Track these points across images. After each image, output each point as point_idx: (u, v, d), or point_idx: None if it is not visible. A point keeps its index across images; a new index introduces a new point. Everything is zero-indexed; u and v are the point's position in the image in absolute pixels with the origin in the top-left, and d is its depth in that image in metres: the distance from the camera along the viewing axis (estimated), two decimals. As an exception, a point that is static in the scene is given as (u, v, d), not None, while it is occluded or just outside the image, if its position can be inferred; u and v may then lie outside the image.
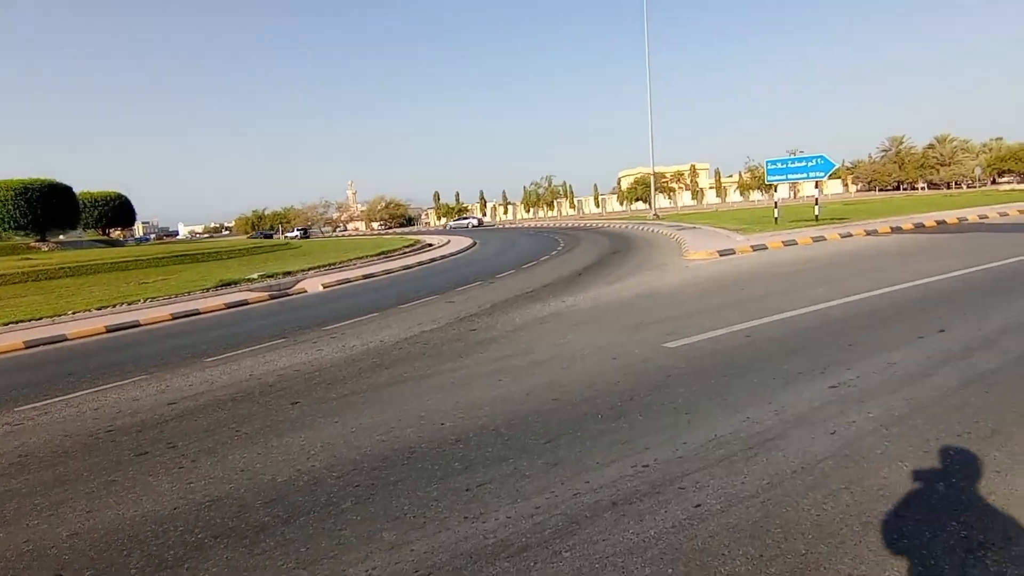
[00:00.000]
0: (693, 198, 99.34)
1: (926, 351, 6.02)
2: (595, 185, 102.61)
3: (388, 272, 20.62)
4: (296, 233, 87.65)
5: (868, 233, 18.91)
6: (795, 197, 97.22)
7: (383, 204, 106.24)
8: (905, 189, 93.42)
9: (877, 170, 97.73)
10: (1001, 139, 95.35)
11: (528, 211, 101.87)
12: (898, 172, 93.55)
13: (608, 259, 18.78)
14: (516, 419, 5.08)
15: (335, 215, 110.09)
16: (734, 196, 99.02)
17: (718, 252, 16.21)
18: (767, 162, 23.83)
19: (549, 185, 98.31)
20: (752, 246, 17.06)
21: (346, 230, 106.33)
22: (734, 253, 16.36)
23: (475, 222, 77.06)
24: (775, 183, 23.95)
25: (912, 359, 5.81)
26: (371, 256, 26.95)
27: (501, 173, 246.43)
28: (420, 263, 23.38)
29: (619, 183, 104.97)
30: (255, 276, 20.12)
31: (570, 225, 51.84)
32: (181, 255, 31.48)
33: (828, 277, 11.14)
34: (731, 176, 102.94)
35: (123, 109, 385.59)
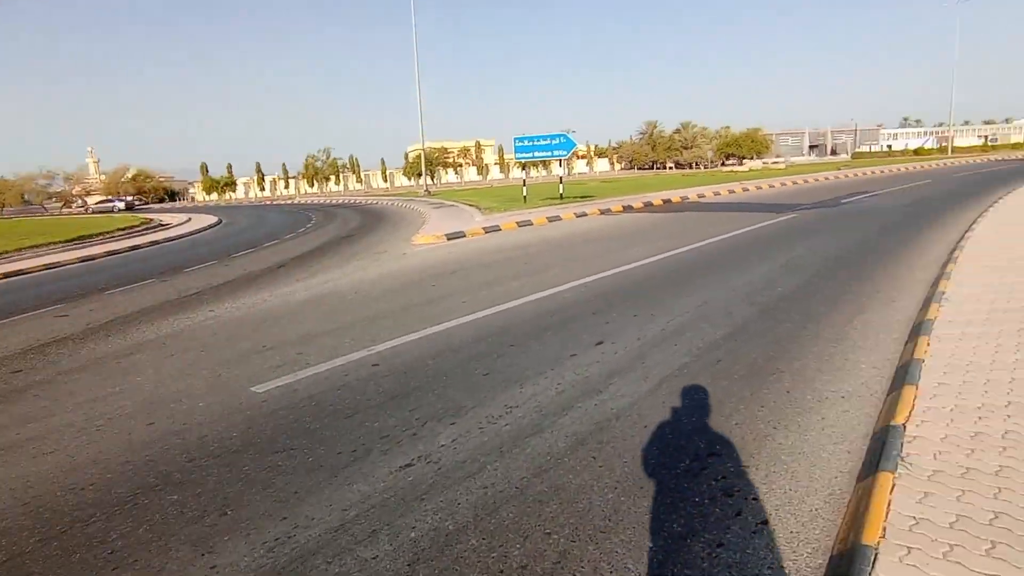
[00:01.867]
0: (479, 173, 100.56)
1: (560, 387, 4.70)
2: (382, 159, 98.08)
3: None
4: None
5: (602, 212, 19.08)
6: (569, 174, 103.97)
7: (129, 175, 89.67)
8: (658, 168, 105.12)
9: (636, 151, 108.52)
10: (729, 127, 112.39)
11: (312, 185, 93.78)
12: (651, 153, 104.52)
13: (337, 244, 16.35)
14: None
15: (66, 188, 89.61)
16: (516, 172, 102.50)
17: (446, 236, 14.72)
18: (514, 140, 23.29)
19: (328, 158, 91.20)
20: (486, 227, 15.93)
21: (84, 206, 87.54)
22: (463, 236, 15.02)
23: (121, 205, 67.30)
24: (522, 161, 23.53)
25: (546, 394, 4.43)
26: (58, 243, 20.95)
27: (285, 144, 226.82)
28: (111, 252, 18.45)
29: (406, 157, 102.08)
30: None
31: (340, 202, 47.94)
32: None
33: (535, 266, 10.09)
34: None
35: None
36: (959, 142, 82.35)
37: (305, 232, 21.43)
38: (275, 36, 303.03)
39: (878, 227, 12.67)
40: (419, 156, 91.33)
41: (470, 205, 25.71)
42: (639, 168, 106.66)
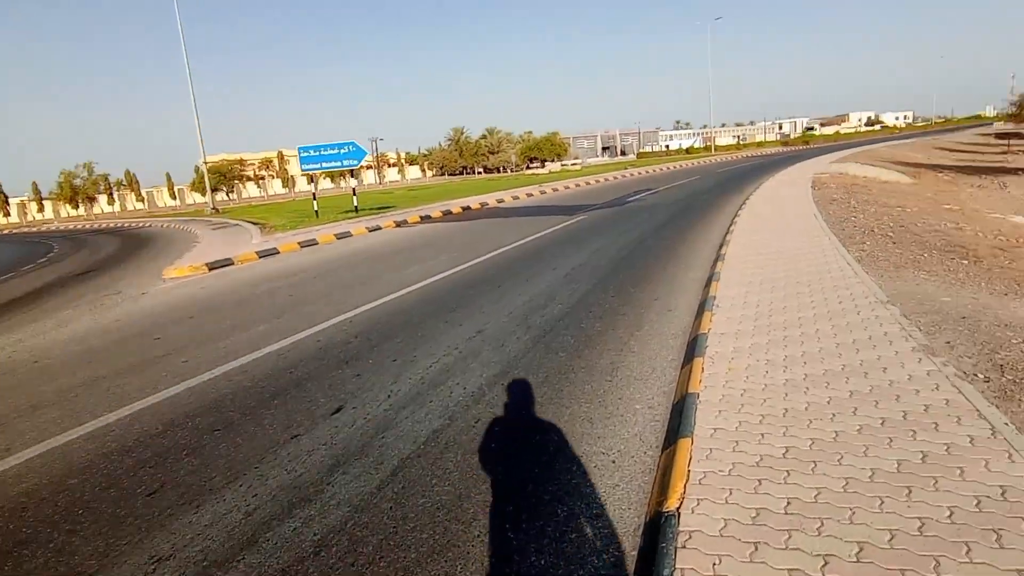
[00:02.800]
0: (284, 186, 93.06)
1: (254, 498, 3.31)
2: (167, 174, 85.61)
3: None
4: None
5: (398, 224, 17.77)
6: (380, 183, 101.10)
7: None
8: (468, 173, 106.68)
9: (446, 157, 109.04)
10: (531, 132, 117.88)
11: (77, 207, 77.97)
12: (460, 159, 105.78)
13: (64, 283, 12.91)
14: None
15: None
16: (325, 183, 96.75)
17: (208, 265, 12.32)
18: (299, 149, 20.97)
19: (90, 174, 77.00)
20: (261, 251, 13.74)
21: None
22: (231, 264, 12.72)
23: None
24: (310, 172, 21.35)
25: (226, 522, 2.99)
26: None
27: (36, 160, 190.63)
28: None
29: (196, 171, 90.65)
30: None
31: (107, 226, 40.33)
32: None
33: (298, 297, 8.45)
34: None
35: None
36: (720, 141, 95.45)
37: (34, 268, 17.07)
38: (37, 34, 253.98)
39: (657, 224, 13.06)
40: (212, 170, 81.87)
41: (256, 224, 22.78)
42: (450, 174, 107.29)
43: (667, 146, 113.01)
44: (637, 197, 20.60)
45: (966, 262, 7.33)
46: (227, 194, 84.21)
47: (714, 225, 12.29)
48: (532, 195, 25.65)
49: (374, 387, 4.76)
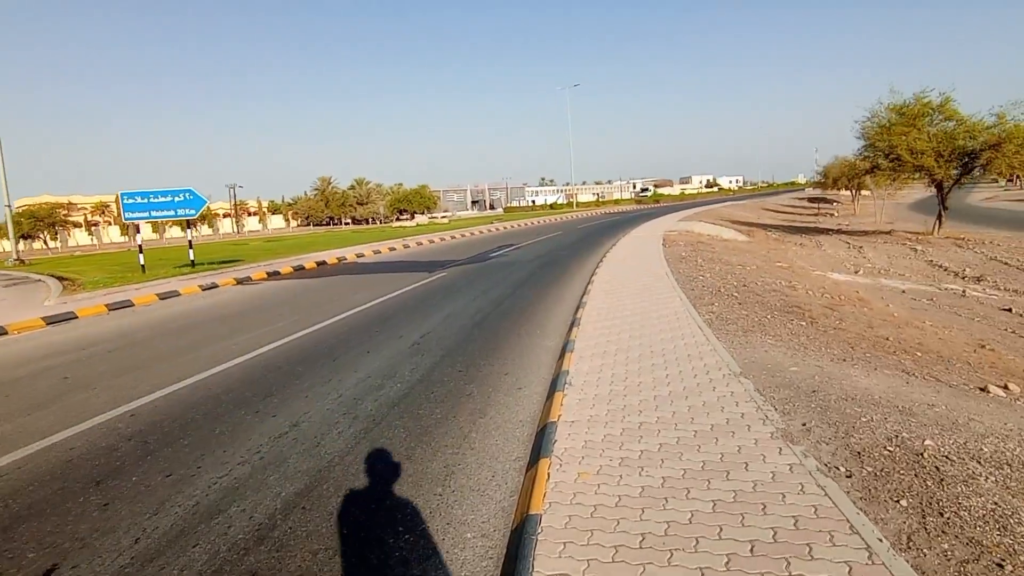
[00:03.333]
0: (123, 234, 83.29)
1: None
2: (-38, 219, 72.79)
3: None
4: None
5: (239, 282, 15.88)
6: (239, 232, 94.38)
7: None
8: (335, 224, 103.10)
9: (312, 207, 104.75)
10: (401, 184, 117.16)
11: None
12: (326, 209, 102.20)
13: None
14: None
15: None
16: (173, 232, 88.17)
17: (-32, 338, 9.81)
18: (122, 195, 18.33)
19: None
20: (49, 317, 11.35)
21: None
22: (4, 333, 10.29)
23: None
24: (135, 221, 18.74)
25: None
26: None
27: None
28: None
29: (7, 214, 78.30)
30: None
31: None
32: None
33: (66, 386, 6.69)
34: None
35: None
36: (581, 198, 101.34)
37: None
38: None
39: (517, 281, 12.66)
40: (23, 214, 71.33)
41: (64, 279, 19.41)
42: (315, 224, 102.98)
43: (533, 201, 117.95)
44: (500, 252, 20.39)
45: (804, 323, 7.50)
46: (46, 242, 74.00)
47: (572, 283, 12.12)
48: (395, 249, 24.65)
49: (122, 525, 3.49)
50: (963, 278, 16.36)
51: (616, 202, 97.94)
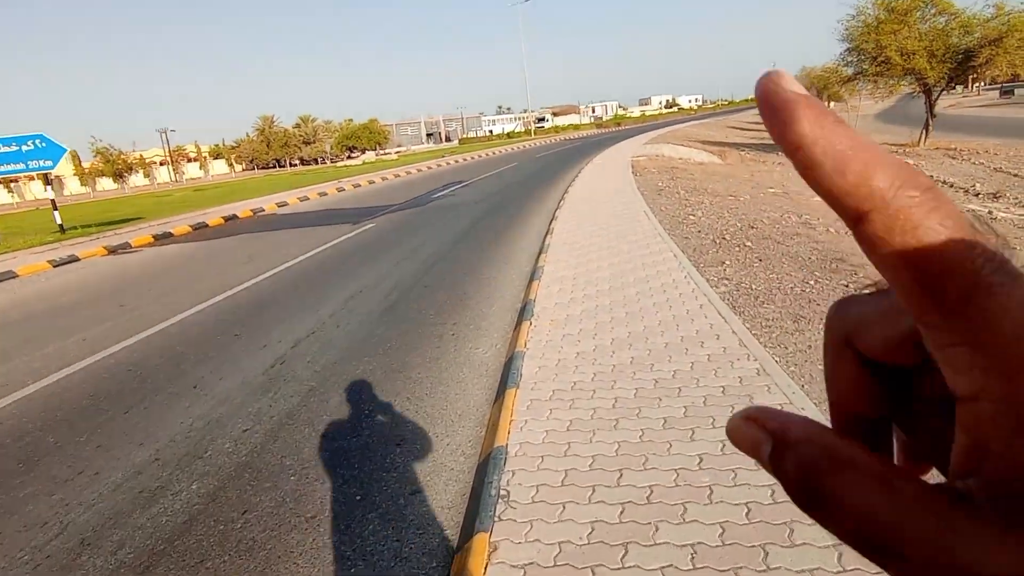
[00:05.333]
0: (47, 187, 75.71)
1: None
2: None
3: None
4: None
5: (112, 251, 12.68)
6: (176, 181, 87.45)
7: None
8: (282, 166, 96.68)
9: (255, 149, 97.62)
10: (351, 120, 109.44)
11: None
12: (268, 151, 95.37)
13: None
14: None
15: None
16: (105, 183, 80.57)
17: None
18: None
19: None
20: None
21: None
22: None
23: None
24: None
25: None
26: None
27: None
28: None
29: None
30: None
31: None
32: None
33: None
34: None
35: None
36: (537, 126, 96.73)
37: None
38: None
39: (455, 235, 9.93)
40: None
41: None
42: (260, 168, 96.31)
43: (490, 131, 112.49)
44: (446, 192, 17.42)
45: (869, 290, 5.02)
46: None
47: (526, 232, 9.45)
48: (326, 194, 21.34)
49: None
50: (978, 196, 14.21)
51: (576, 127, 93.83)
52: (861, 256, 4.62)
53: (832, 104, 48.24)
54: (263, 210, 17.74)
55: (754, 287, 5.22)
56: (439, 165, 32.00)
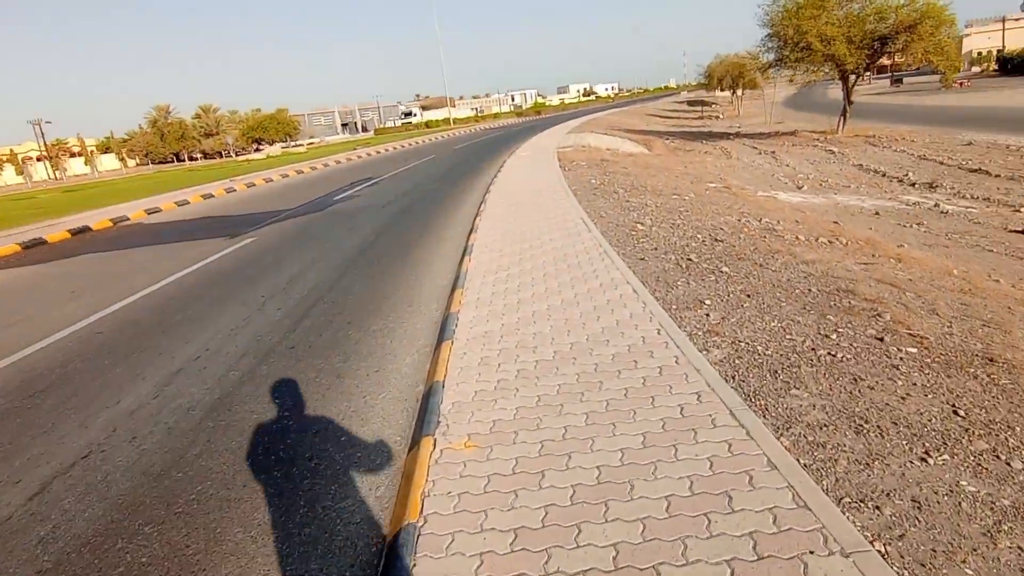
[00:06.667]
0: None
1: None
2: None
3: None
4: None
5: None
6: (57, 178, 78.45)
7: None
8: (181, 161, 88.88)
9: (149, 142, 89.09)
10: (259, 110, 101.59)
11: None
12: (161, 144, 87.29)
13: None
14: None
15: None
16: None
17: None
18: None
19: None
20: None
21: None
22: None
23: None
24: None
25: None
26: None
27: None
28: None
29: None
30: None
31: None
32: None
33: None
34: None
35: None
36: (457, 114, 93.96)
37: None
38: None
39: (349, 254, 7.93)
40: None
41: None
42: (157, 162, 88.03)
43: (409, 120, 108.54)
44: (350, 193, 15.18)
45: (914, 350, 3.54)
46: None
47: (436, 259, 7.58)
48: (212, 196, 18.46)
49: None
50: (913, 185, 13.63)
51: (496, 116, 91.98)
52: (867, 282, 3.05)
53: (746, 91, 48.90)
54: (127, 219, 14.80)
55: (760, 349, 3.63)
56: (349, 159, 29.33)
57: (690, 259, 5.65)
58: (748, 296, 4.55)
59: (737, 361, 3.50)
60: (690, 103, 72.20)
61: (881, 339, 3.70)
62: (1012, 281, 6.09)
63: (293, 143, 66.11)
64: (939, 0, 19.83)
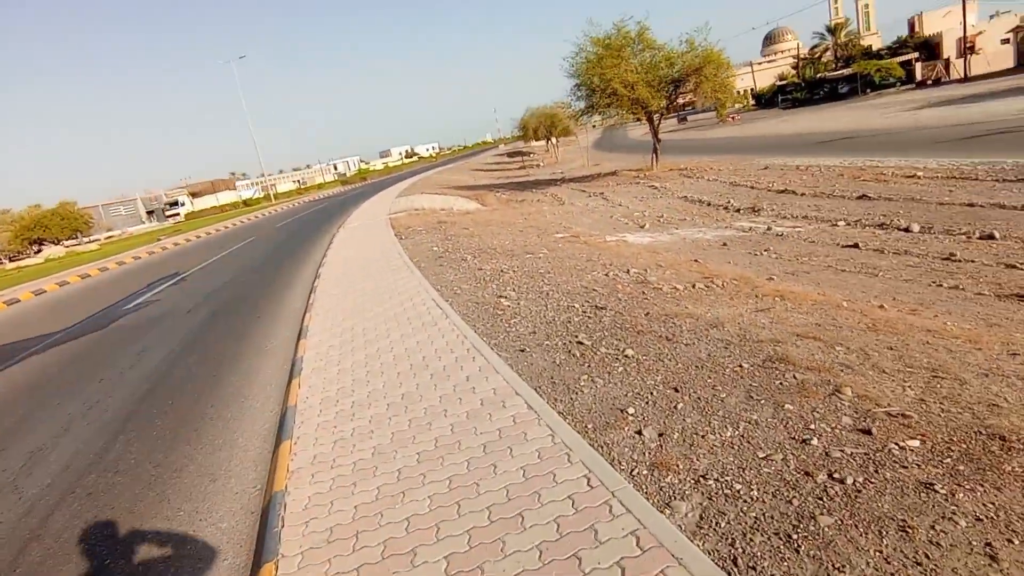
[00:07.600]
0: None
1: None
2: None
3: None
4: None
5: None
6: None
7: None
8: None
9: None
10: (39, 205, 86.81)
11: None
12: None
13: None
14: None
15: None
16: None
17: None
18: None
19: None
20: None
21: None
22: None
23: None
24: None
25: None
26: None
27: None
28: None
29: None
30: None
31: None
32: None
33: None
34: None
35: None
36: (280, 188, 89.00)
37: None
38: None
39: (137, 395, 5.78)
40: None
41: None
42: None
43: (177, 213, 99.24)
44: (147, 296, 12.40)
45: (916, 443, 2.65)
46: None
47: (257, 381, 5.77)
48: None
49: None
50: (739, 211, 14.32)
51: (320, 186, 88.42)
52: (790, 342, 2.09)
53: (560, 139, 51.84)
54: None
55: (739, 489, 2.52)
56: (151, 252, 25.30)
57: (580, 342, 4.55)
58: (675, 391, 3.50)
59: (724, 525, 2.33)
60: (509, 155, 75.34)
61: (868, 431, 2.80)
62: (893, 305, 5.83)
63: (86, 239, 57.07)
64: (714, 47, 22.21)
